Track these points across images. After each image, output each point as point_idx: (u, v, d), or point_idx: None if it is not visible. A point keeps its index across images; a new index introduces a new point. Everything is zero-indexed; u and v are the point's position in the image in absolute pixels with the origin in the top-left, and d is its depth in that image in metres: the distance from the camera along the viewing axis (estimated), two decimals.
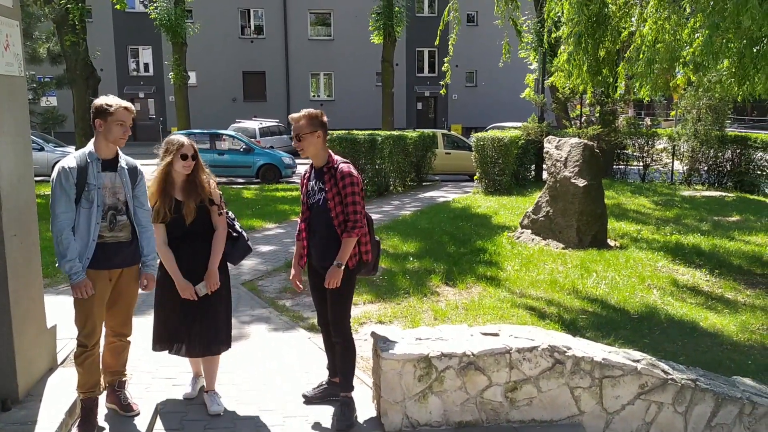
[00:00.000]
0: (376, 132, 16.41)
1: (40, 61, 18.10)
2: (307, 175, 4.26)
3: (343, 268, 4.00)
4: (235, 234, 4.31)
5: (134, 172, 3.90)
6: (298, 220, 4.29)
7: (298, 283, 4.31)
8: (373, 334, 4.37)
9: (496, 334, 4.39)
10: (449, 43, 12.53)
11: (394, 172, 16.57)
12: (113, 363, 4.06)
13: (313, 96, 37.84)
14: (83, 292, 3.64)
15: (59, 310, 4.92)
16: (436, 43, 12.97)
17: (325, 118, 4.13)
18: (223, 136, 20.02)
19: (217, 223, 4.17)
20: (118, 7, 16.29)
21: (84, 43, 17.93)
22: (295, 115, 4.09)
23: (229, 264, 4.34)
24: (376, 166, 15.49)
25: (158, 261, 4.07)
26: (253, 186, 18.28)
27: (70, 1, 17.19)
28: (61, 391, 4.00)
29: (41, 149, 18.04)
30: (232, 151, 19.40)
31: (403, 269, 7.99)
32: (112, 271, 3.81)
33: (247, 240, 4.40)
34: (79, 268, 3.61)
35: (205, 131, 20.49)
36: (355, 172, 4.06)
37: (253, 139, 22.10)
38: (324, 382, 4.48)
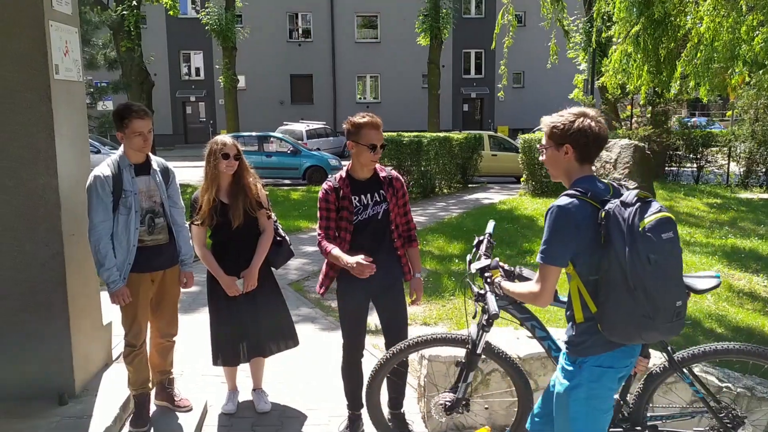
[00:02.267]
0: (422, 134, 16.41)
1: (97, 67, 18.68)
2: (344, 190, 3.66)
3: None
4: (279, 238, 4.23)
5: (166, 172, 3.92)
6: (325, 245, 3.62)
7: (362, 261, 3.44)
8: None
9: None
10: (504, 45, 12.43)
11: (440, 174, 16.52)
12: (161, 362, 4.12)
13: (360, 98, 38.04)
14: (121, 300, 3.70)
15: (114, 308, 5.06)
16: (492, 46, 12.88)
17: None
18: (271, 139, 20.30)
19: (265, 225, 4.11)
20: (171, 13, 16.74)
21: (139, 49, 18.46)
22: (380, 121, 3.76)
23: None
24: (422, 168, 15.48)
25: (193, 262, 4.05)
26: (299, 187, 18.48)
27: (126, 8, 17.72)
28: (115, 387, 4.12)
29: (98, 152, 18.68)
30: (279, 153, 19.66)
31: (449, 271, 7.96)
32: (153, 273, 3.85)
33: (290, 244, 4.34)
34: (116, 277, 3.65)
35: (253, 134, 20.82)
36: None
37: (300, 142, 22.35)
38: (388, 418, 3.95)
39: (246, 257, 4.05)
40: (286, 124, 26.97)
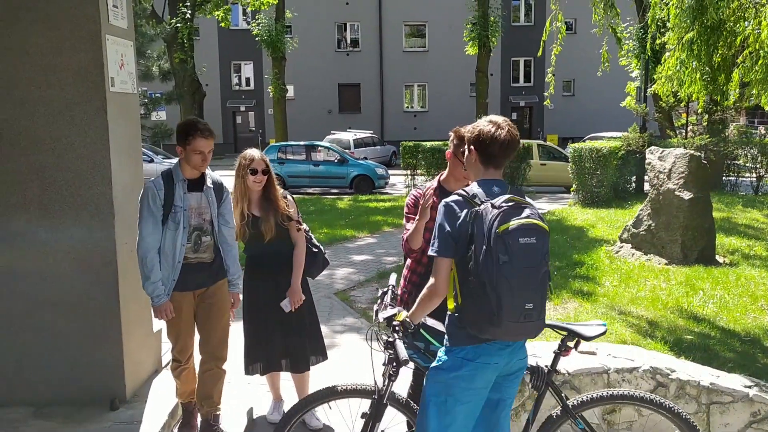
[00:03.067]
0: None
1: (152, 78, 19.25)
2: (432, 199, 3.51)
3: None
4: (315, 249, 4.22)
5: (220, 189, 3.87)
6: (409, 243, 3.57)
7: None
8: None
9: (593, 353, 4.22)
10: (552, 53, 12.26)
11: None
12: (208, 391, 3.89)
13: (407, 107, 38.10)
14: (164, 315, 3.67)
15: None
16: (539, 54, 12.73)
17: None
18: (319, 148, 20.49)
19: (296, 238, 4.09)
20: (223, 25, 17.11)
21: (191, 60, 18.93)
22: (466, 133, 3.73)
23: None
24: None
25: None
26: (346, 196, 18.58)
27: (180, 21, 18.20)
28: (164, 393, 4.19)
29: (151, 161, 19.21)
30: (326, 162, 19.81)
31: None
32: (195, 291, 3.82)
33: (325, 254, 4.32)
34: (161, 291, 3.63)
35: (301, 143, 21.05)
36: None
37: (347, 150, 22.50)
38: None
39: (279, 269, 4.06)
40: (334, 133, 27.19)
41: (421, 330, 2.91)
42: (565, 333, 3.09)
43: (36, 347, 3.96)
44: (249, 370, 4.23)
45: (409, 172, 17.42)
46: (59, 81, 3.82)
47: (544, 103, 14.17)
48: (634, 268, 8.58)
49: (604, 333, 3.05)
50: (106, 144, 3.87)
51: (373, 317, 3.08)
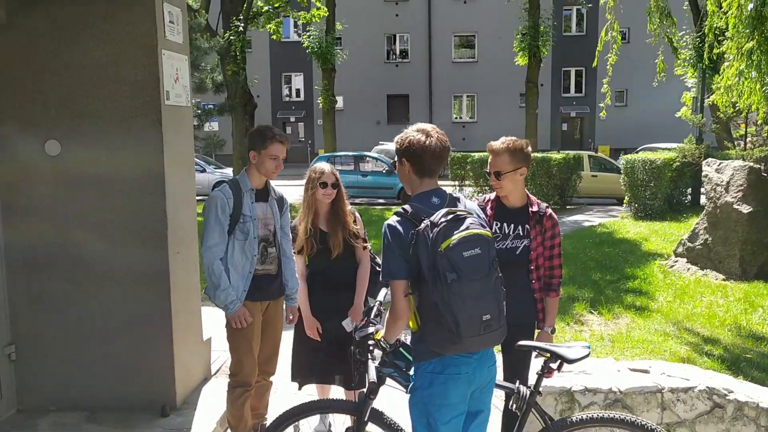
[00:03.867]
0: None
1: (205, 90, 19.71)
2: (488, 212, 3.48)
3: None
4: (378, 268, 4.10)
5: (281, 201, 3.85)
6: None
7: None
8: None
9: (647, 371, 4.10)
10: (607, 63, 12.05)
11: (537, 195, 16.16)
12: (256, 404, 3.89)
13: (456, 118, 37.99)
14: (241, 322, 3.55)
15: (213, 324, 5.24)
16: (594, 64, 12.53)
17: (529, 149, 3.44)
18: (367, 158, 20.60)
19: (361, 256, 4.04)
20: (274, 37, 17.38)
21: (243, 72, 19.29)
22: (495, 146, 3.42)
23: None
24: None
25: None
26: (393, 207, 18.60)
27: (234, 34, 18.59)
28: (213, 401, 4.25)
29: (203, 170, 19.67)
30: (374, 172, 19.91)
31: None
32: (262, 303, 3.75)
33: None
34: (234, 297, 3.55)
35: (350, 153, 21.20)
36: None
37: (395, 161, 22.50)
38: None
39: (343, 286, 4.00)
40: (382, 144, 27.30)
41: (401, 348, 2.81)
42: (548, 355, 2.99)
43: (90, 354, 4.07)
44: (301, 383, 4.17)
45: (457, 183, 17.34)
46: (116, 94, 3.94)
47: (600, 114, 13.90)
48: (689, 284, 8.32)
49: (587, 356, 2.97)
50: (161, 155, 3.97)
51: (353, 334, 2.98)
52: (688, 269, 9.03)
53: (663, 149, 18.93)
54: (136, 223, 4.01)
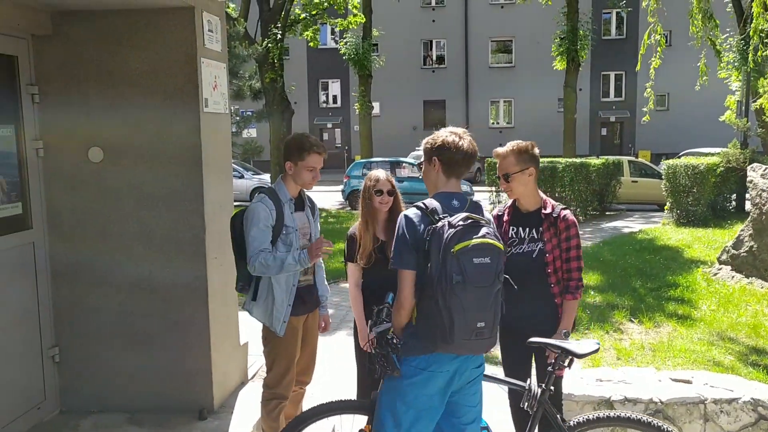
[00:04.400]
0: (557, 159, 15.95)
1: (243, 97, 20.00)
2: (504, 218, 3.55)
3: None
4: None
5: (313, 208, 3.79)
6: None
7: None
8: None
9: (689, 381, 4.01)
10: (650, 67, 11.84)
11: (575, 201, 15.94)
12: (292, 412, 3.81)
13: (492, 123, 37.76)
14: (323, 250, 3.36)
15: (249, 328, 5.29)
16: (637, 68, 12.33)
17: (536, 151, 3.45)
18: (403, 164, 20.63)
19: None
20: (312, 44, 17.53)
21: (281, 79, 19.52)
22: (500, 151, 3.46)
23: None
24: (556, 195, 15.01)
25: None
26: None
27: (271, 42, 18.84)
28: (250, 405, 4.28)
29: (241, 176, 19.95)
30: (410, 178, 19.90)
31: (583, 303, 7.61)
32: (304, 315, 3.70)
33: None
34: (296, 253, 3.38)
35: (386, 159, 21.25)
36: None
37: None
38: None
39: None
40: (419, 149, 27.21)
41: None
42: (558, 351, 3.01)
43: (130, 357, 4.14)
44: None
45: (494, 188, 17.20)
46: (156, 102, 4.02)
47: (643, 119, 13.68)
48: (734, 292, 8.10)
49: (597, 350, 3.02)
50: (199, 162, 4.03)
51: (368, 333, 2.98)
52: (733, 277, 8.79)
53: (706, 154, 18.51)
54: (175, 230, 4.07)
